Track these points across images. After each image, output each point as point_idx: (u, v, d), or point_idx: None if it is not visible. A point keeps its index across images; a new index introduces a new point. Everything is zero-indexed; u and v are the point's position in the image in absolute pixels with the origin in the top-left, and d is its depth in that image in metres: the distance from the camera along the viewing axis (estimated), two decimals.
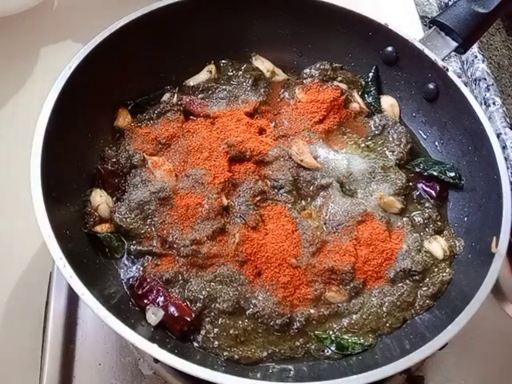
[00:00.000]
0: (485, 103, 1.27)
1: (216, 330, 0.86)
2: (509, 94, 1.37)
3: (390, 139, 1.08)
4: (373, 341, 0.89)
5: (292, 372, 0.85)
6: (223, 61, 1.14)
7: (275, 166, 1.01)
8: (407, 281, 0.93)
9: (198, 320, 0.86)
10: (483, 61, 1.33)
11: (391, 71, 1.13)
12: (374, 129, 1.10)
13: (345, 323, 0.90)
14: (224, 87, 1.10)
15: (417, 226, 1.00)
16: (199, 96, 1.09)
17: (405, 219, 1.00)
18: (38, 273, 1.00)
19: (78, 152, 0.97)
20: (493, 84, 1.29)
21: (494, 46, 1.46)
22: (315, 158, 1.03)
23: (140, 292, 0.87)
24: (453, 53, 1.09)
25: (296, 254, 0.92)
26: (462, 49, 1.09)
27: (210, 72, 1.13)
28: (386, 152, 1.07)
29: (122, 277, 0.91)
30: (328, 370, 0.86)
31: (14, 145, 1.14)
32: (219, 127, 1.04)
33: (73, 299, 0.96)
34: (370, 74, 1.15)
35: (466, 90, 1.02)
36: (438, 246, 0.97)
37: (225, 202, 0.96)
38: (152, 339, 0.75)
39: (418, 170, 1.05)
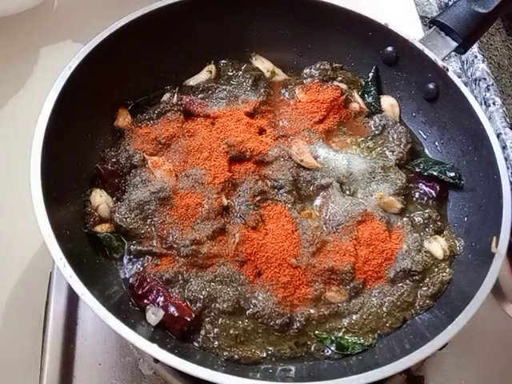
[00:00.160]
0: (485, 103, 1.27)
1: (216, 329, 0.86)
2: (509, 94, 1.37)
3: (390, 139, 1.08)
4: (373, 341, 0.89)
5: (292, 372, 0.85)
6: (223, 61, 1.14)
7: (275, 166, 1.01)
8: (407, 281, 0.93)
9: (198, 320, 0.86)
10: (483, 61, 1.33)
11: (391, 71, 1.13)
12: (373, 129, 1.10)
13: (345, 323, 0.90)
14: (224, 87, 1.10)
15: (417, 226, 1.00)
16: (199, 96, 1.09)
17: (405, 219, 1.00)
18: (38, 273, 1.00)
19: (78, 152, 0.97)
20: (493, 84, 1.29)
21: (494, 46, 1.46)
22: (315, 157, 1.03)
23: (140, 292, 0.87)
24: (453, 53, 1.09)
25: (296, 254, 0.92)
26: (462, 49, 1.09)
27: (210, 72, 1.13)
28: (386, 152, 1.07)
29: (122, 277, 0.91)
30: (328, 370, 0.86)
31: (13, 145, 1.14)
32: (219, 127, 1.04)
33: (73, 299, 0.96)
34: (370, 74, 1.15)
35: (466, 90, 1.02)
36: (437, 246, 0.97)
37: (225, 202, 0.96)
38: (152, 339, 0.75)
39: (418, 170, 1.05)
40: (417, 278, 0.93)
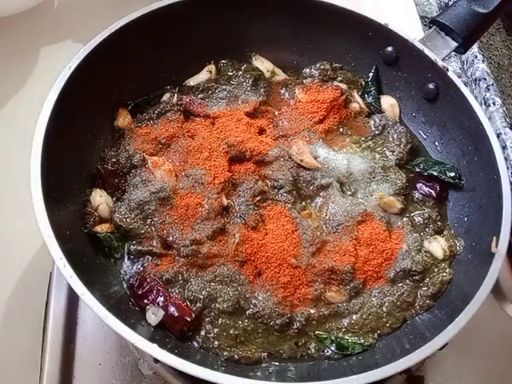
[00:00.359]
0: (485, 103, 1.27)
1: (216, 330, 0.86)
2: (509, 94, 1.37)
3: (390, 139, 1.08)
4: (373, 341, 0.89)
5: (292, 372, 0.85)
6: (223, 61, 1.14)
7: (275, 166, 1.01)
8: (407, 281, 0.93)
9: (198, 320, 0.86)
10: (483, 61, 1.33)
11: (391, 71, 1.13)
12: (373, 129, 1.10)
13: (345, 323, 0.90)
14: (224, 87, 1.10)
15: (417, 226, 1.00)
16: (199, 96, 1.09)
17: (405, 219, 1.00)
18: (38, 273, 1.00)
19: (78, 152, 0.97)
20: (493, 84, 1.29)
21: (494, 46, 1.46)
22: (315, 157, 1.03)
23: (140, 292, 0.87)
24: (453, 53, 1.09)
25: (296, 254, 0.92)
26: (462, 49, 1.09)
27: (210, 72, 1.13)
28: (386, 152, 1.07)
29: (121, 277, 0.91)
30: (328, 370, 0.86)
31: (14, 145, 1.14)
32: (219, 127, 1.04)
33: (73, 299, 0.96)
34: (370, 74, 1.15)
35: (466, 90, 1.02)
36: (438, 246, 0.97)
37: (225, 202, 0.96)
38: (152, 339, 0.75)
39: (418, 170, 1.06)
40: (417, 277, 0.93)
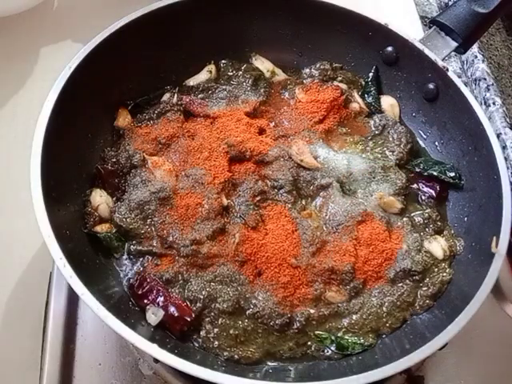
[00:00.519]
0: (485, 103, 1.27)
1: (216, 330, 0.86)
2: (509, 94, 1.37)
3: (390, 139, 1.08)
4: (373, 341, 0.89)
5: (292, 372, 0.85)
6: (223, 61, 1.14)
7: (275, 166, 1.01)
8: (407, 281, 0.93)
9: (198, 320, 0.86)
10: (483, 61, 1.33)
11: (391, 71, 1.13)
12: (373, 129, 1.10)
13: (345, 323, 0.90)
14: (224, 87, 1.10)
15: (417, 226, 1.00)
16: (199, 96, 1.09)
17: (405, 219, 1.00)
18: (38, 273, 1.00)
19: (78, 152, 0.97)
20: (493, 84, 1.29)
21: (494, 46, 1.46)
22: (315, 157, 1.03)
23: (140, 292, 0.87)
24: (453, 53, 1.09)
25: (296, 254, 0.92)
26: (462, 49, 1.09)
27: (210, 72, 1.13)
28: (386, 152, 1.07)
29: (122, 277, 0.91)
30: (328, 370, 0.86)
31: (14, 145, 1.14)
32: (219, 127, 1.04)
33: (73, 299, 0.96)
34: (370, 74, 1.15)
35: (466, 90, 1.02)
36: (438, 246, 0.97)
37: (225, 202, 0.96)
38: (152, 339, 0.75)
39: (418, 170, 1.06)
40: (417, 277, 0.93)
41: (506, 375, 1.00)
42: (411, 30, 1.36)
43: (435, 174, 1.04)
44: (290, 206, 0.98)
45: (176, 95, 1.08)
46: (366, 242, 0.95)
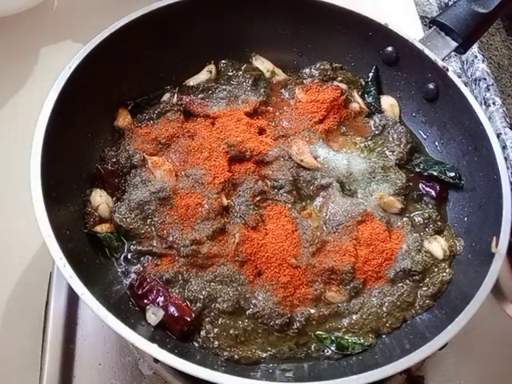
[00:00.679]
0: (485, 103, 1.27)
1: (216, 329, 0.86)
2: (509, 94, 1.37)
3: (390, 139, 1.08)
4: (373, 341, 0.89)
5: (292, 372, 0.85)
6: (223, 61, 1.14)
7: (275, 165, 1.01)
8: (407, 281, 0.93)
9: (198, 320, 0.86)
10: (483, 61, 1.33)
11: (391, 71, 1.13)
12: (373, 129, 1.10)
13: (345, 323, 0.90)
14: (224, 87, 1.10)
15: (417, 226, 1.00)
16: (199, 96, 1.09)
17: (405, 219, 1.00)
18: (38, 273, 1.00)
19: (78, 152, 0.97)
20: (493, 84, 1.29)
21: (494, 46, 1.46)
22: (315, 157, 1.03)
23: (140, 292, 0.87)
24: (453, 53, 1.09)
25: (296, 254, 0.92)
26: (462, 49, 1.09)
27: (210, 72, 1.13)
28: (386, 152, 1.07)
29: (121, 277, 0.91)
30: (328, 369, 0.86)
31: (14, 145, 1.14)
32: (219, 127, 1.04)
33: (73, 299, 0.96)
34: (370, 74, 1.15)
35: (466, 90, 1.02)
36: (438, 246, 0.97)
37: (225, 202, 0.96)
38: (152, 339, 0.75)
39: (418, 170, 1.06)
40: (417, 277, 0.93)
41: (506, 375, 1.00)
42: (411, 29, 1.36)
43: (435, 173, 1.04)
44: (289, 205, 0.98)
45: (176, 95, 1.08)
46: (366, 242, 0.95)
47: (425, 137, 1.11)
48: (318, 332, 0.89)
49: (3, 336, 0.98)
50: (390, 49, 1.11)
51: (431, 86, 1.08)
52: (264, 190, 0.99)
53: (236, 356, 0.84)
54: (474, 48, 1.33)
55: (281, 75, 1.16)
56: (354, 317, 0.91)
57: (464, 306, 0.81)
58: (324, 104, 1.09)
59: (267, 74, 1.15)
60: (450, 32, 1.07)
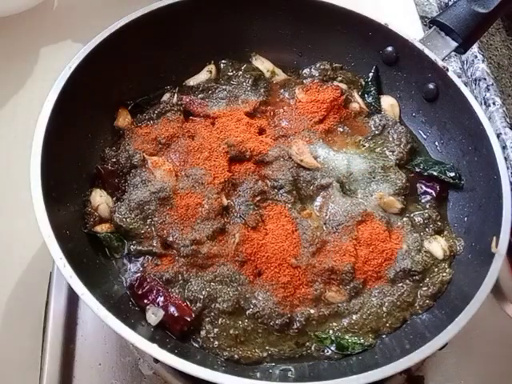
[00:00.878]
0: (485, 103, 1.27)
1: (216, 329, 0.86)
2: (509, 94, 1.37)
3: (390, 139, 1.08)
4: (373, 341, 0.89)
5: (292, 372, 0.85)
6: (223, 61, 1.14)
7: (275, 165, 1.01)
8: (407, 281, 0.93)
9: (198, 320, 0.86)
10: (483, 61, 1.33)
11: (391, 71, 1.13)
12: (373, 129, 1.10)
13: (345, 323, 0.90)
14: (224, 87, 1.10)
15: (417, 226, 1.00)
16: (199, 96, 1.09)
17: (405, 219, 1.00)
18: (38, 273, 1.00)
19: (78, 152, 0.97)
20: (493, 84, 1.29)
21: (494, 46, 1.46)
22: (315, 158, 1.03)
23: (140, 292, 0.87)
24: (453, 53, 1.09)
25: (296, 254, 0.92)
26: (462, 49, 1.09)
27: (210, 72, 1.13)
28: (386, 152, 1.07)
29: (121, 277, 0.91)
30: (328, 370, 0.86)
31: (14, 145, 1.14)
32: (219, 127, 1.04)
33: (73, 299, 0.96)
34: (370, 74, 1.15)
35: (466, 90, 1.02)
36: (438, 246, 0.97)
37: (225, 202, 0.96)
38: (152, 339, 0.75)
39: (418, 170, 1.06)
40: (417, 277, 0.93)
41: (506, 375, 1.00)
42: (411, 29, 1.36)
43: (435, 173, 1.04)
44: (289, 206, 0.98)
45: (176, 95, 1.08)
46: (365, 242, 0.95)
47: (425, 137, 1.11)
48: (318, 332, 0.89)
49: (3, 336, 0.98)
50: (389, 49, 1.11)
51: (431, 85, 1.08)
52: (264, 189, 0.99)
53: (236, 356, 0.84)
54: (474, 48, 1.33)
55: (281, 75, 1.16)
56: (354, 317, 0.91)
57: (464, 306, 0.81)
58: (324, 104, 1.09)
59: (267, 74, 1.15)
60: (450, 32, 1.07)
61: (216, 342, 0.85)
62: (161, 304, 0.85)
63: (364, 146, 1.08)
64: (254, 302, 0.89)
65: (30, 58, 1.29)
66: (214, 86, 1.11)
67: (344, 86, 1.13)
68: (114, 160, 1.00)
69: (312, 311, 0.90)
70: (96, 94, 0.99)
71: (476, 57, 1.34)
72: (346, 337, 0.89)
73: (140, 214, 0.93)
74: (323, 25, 1.13)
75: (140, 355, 0.94)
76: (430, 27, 1.11)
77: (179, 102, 1.06)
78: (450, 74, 1.04)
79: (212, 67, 1.13)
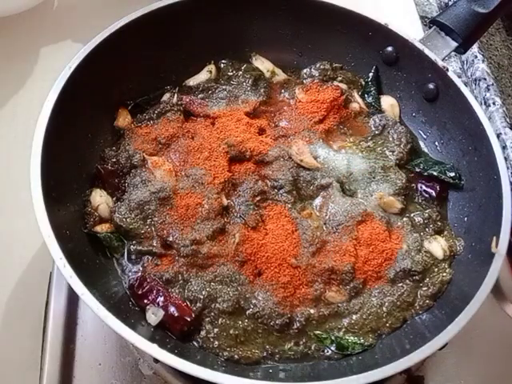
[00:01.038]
0: (485, 103, 1.27)
1: (216, 329, 0.86)
2: (509, 94, 1.37)
3: (390, 139, 1.08)
4: (373, 341, 0.89)
5: (292, 372, 0.85)
6: (223, 61, 1.14)
7: (275, 165, 1.01)
8: (407, 281, 0.93)
9: (198, 320, 0.86)
10: (483, 61, 1.33)
11: (391, 71, 1.13)
12: (374, 129, 1.10)
13: (345, 323, 0.90)
14: (224, 87, 1.10)
15: (417, 226, 1.00)
16: (199, 96, 1.09)
17: (405, 219, 1.00)
18: (38, 273, 1.00)
19: (78, 152, 0.97)
20: (493, 84, 1.29)
21: (494, 46, 1.46)
22: (315, 158, 1.03)
23: (140, 292, 0.87)
24: (453, 53, 1.09)
25: (296, 254, 0.92)
26: (462, 49, 1.09)
27: (210, 72, 1.13)
28: (386, 152, 1.07)
29: (121, 277, 0.91)
30: (328, 370, 0.86)
31: (14, 145, 1.14)
32: (219, 127, 1.04)
33: (73, 299, 0.96)
34: (370, 74, 1.15)
35: (466, 90, 1.02)
36: (438, 246, 0.97)
37: (225, 202, 0.96)
38: (152, 339, 0.75)
39: (418, 170, 1.06)
40: (417, 277, 0.93)
41: (506, 375, 1.00)
42: (411, 29, 1.36)
43: (435, 174, 1.04)
44: (289, 206, 0.98)
45: (176, 95, 1.08)
46: (366, 242, 0.95)
47: (425, 137, 1.11)
48: (318, 332, 0.89)
49: (3, 336, 0.98)
50: (389, 49, 1.11)
51: (431, 85, 1.08)
52: (264, 189, 0.99)
53: (236, 356, 0.84)
54: (474, 48, 1.33)
55: (281, 75, 1.16)
56: (354, 317, 0.91)
57: (464, 306, 0.81)
58: (324, 104, 1.09)
59: (267, 74, 1.15)
60: (450, 32, 1.07)
61: (216, 342, 0.85)
62: (161, 304, 0.85)
63: (364, 146, 1.08)
64: (253, 301, 0.89)
65: (30, 58, 1.29)
66: (214, 86, 1.11)
67: (344, 86, 1.13)
68: (114, 160, 1.00)
69: (312, 311, 0.90)
70: (96, 94, 0.99)
71: (476, 57, 1.34)
72: (346, 337, 0.89)
73: (140, 214, 0.93)
74: (323, 25, 1.13)
75: (140, 355, 0.94)
76: (430, 27, 1.11)
77: (179, 102, 1.06)
78: (450, 74, 1.04)
79: (212, 67, 1.13)
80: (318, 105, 1.09)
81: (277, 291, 0.89)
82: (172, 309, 0.85)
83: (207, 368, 0.73)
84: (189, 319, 0.85)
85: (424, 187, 1.05)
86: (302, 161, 1.02)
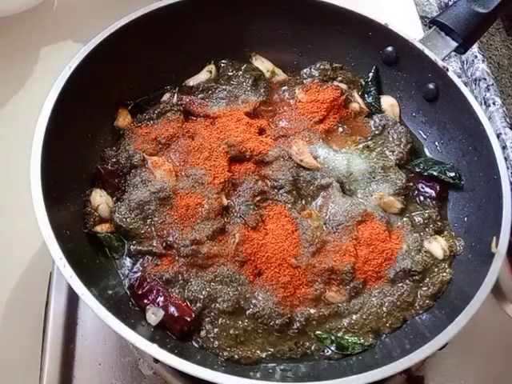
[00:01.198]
0: (485, 103, 1.27)
1: (216, 329, 0.86)
2: (509, 94, 1.37)
3: (390, 139, 1.08)
4: (373, 341, 0.89)
5: (292, 372, 0.85)
6: (223, 61, 1.14)
7: (275, 165, 1.01)
8: (407, 281, 0.93)
9: (198, 320, 0.86)
10: (483, 61, 1.33)
11: (391, 71, 1.13)
12: (373, 129, 1.10)
13: (345, 323, 0.90)
14: (224, 87, 1.10)
15: (417, 226, 1.00)
16: (199, 96, 1.09)
17: (405, 219, 1.00)
18: (38, 273, 1.00)
19: (78, 152, 0.97)
20: (493, 84, 1.29)
21: (494, 46, 1.46)
22: (315, 158, 1.03)
23: (140, 292, 0.87)
24: (453, 53, 1.09)
25: (296, 254, 0.92)
26: (462, 49, 1.09)
27: (210, 72, 1.13)
28: (386, 152, 1.07)
29: (121, 277, 0.91)
30: (328, 370, 0.86)
31: (14, 145, 1.14)
32: (219, 127, 1.04)
33: (73, 299, 0.96)
34: (370, 74, 1.15)
35: (465, 90, 1.02)
36: (437, 246, 0.97)
37: (225, 202, 0.96)
38: (152, 339, 0.75)
39: (418, 170, 1.05)
40: (417, 277, 0.93)
41: (506, 375, 1.00)
42: (411, 29, 1.36)
43: (435, 174, 1.04)
44: (289, 206, 0.98)
45: (176, 95, 1.08)
46: (366, 242, 0.95)
47: (425, 137, 1.11)
48: (318, 332, 0.89)
49: (3, 336, 0.98)
50: (389, 49, 1.11)
51: (431, 85, 1.08)
52: (264, 189, 0.99)
53: (236, 356, 0.84)
54: (474, 48, 1.33)
55: (281, 75, 1.16)
56: (354, 317, 0.91)
57: (464, 306, 0.81)
58: (324, 104, 1.09)
59: (267, 74, 1.15)
60: (450, 32, 1.07)
61: (216, 342, 0.85)
62: (161, 304, 0.85)
63: (364, 146, 1.08)
64: (253, 301, 0.89)
65: (30, 58, 1.29)
66: (214, 86, 1.11)
67: (344, 86, 1.13)
68: (114, 160, 1.00)
69: (312, 311, 0.90)
70: (96, 94, 0.99)
71: (476, 57, 1.34)
72: (346, 337, 0.89)
73: (140, 214, 0.93)
74: (323, 25, 1.13)
75: (140, 355, 0.94)
76: (430, 27, 1.11)
77: (179, 102, 1.06)
78: (450, 74, 1.04)
79: (212, 67, 1.13)
80: (317, 105, 1.09)
81: (277, 291, 0.89)
82: (172, 309, 0.85)
83: (207, 368, 0.73)
84: (189, 319, 0.85)
85: (424, 187, 1.05)
86: (302, 161, 1.02)
